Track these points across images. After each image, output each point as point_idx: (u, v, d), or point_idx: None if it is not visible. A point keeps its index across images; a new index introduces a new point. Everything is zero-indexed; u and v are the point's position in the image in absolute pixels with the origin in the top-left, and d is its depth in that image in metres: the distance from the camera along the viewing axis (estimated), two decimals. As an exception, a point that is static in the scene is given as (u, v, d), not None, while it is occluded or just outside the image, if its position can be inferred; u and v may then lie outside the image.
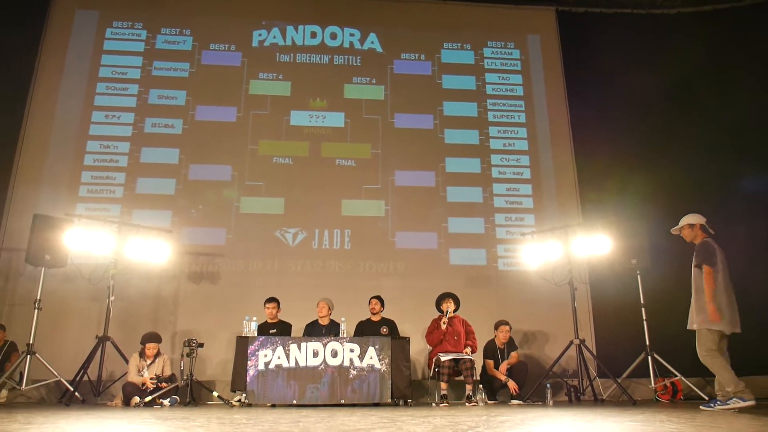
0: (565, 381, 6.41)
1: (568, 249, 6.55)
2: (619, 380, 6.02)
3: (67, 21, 8.01)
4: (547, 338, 7.30)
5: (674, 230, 4.92)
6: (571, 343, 6.22)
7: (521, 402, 5.91)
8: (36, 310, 5.95)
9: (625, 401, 5.79)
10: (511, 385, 6.07)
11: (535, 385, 6.09)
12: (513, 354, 6.42)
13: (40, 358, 5.82)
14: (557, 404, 5.61)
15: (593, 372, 6.37)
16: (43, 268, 6.09)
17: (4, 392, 5.97)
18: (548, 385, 5.70)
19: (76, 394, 5.70)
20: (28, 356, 5.80)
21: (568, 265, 6.53)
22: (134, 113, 7.76)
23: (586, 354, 6.24)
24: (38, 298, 6.00)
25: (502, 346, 6.43)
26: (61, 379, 5.84)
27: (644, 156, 7.92)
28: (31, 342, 5.83)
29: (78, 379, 5.82)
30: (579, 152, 8.19)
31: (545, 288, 6.86)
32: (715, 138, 8.04)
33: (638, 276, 6.46)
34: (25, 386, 5.88)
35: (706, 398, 5.62)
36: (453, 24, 8.71)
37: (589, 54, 8.50)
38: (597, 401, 6.03)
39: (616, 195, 7.63)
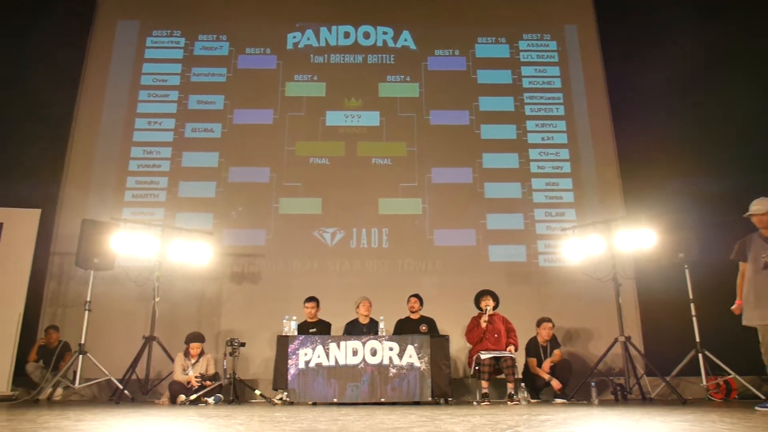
0: (610, 379, 6.24)
1: (611, 243, 6.37)
2: (667, 378, 5.81)
3: (110, 32, 8.31)
4: (591, 335, 7.11)
5: (748, 214, 4.54)
6: (616, 340, 6.04)
7: (565, 401, 5.79)
8: (86, 312, 6.20)
9: (674, 400, 5.59)
10: (555, 383, 5.95)
11: (579, 383, 5.95)
12: (556, 352, 6.28)
13: (92, 358, 6.06)
14: (603, 403, 5.45)
15: (640, 370, 6.17)
16: (92, 271, 6.33)
17: (60, 390, 6.22)
18: (593, 384, 5.56)
19: (126, 392, 5.89)
20: (80, 356, 6.04)
21: (612, 260, 6.35)
22: (175, 119, 7.97)
23: (633, 351, 6.04)
24: (88, 299, 6.25)
25: (545, 344, 6.30)
26: (112, 378, 6.05)
27: (690, 144, 7.60)
28: (82, 342, 6.08)
29: (127, 378, 6.02)
30: (621, 143, 7.95)
31: (588, 284, 6.70)
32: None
33: (686, 270, 6.22)
34: (79, 384, 6.13)
35: (763, 397, 5.36)
36: (487, 18, 8.60)
37: (628, 42, 8.23)
38: (645, 400, 5.84)
39: (660, 186, 7.36)
